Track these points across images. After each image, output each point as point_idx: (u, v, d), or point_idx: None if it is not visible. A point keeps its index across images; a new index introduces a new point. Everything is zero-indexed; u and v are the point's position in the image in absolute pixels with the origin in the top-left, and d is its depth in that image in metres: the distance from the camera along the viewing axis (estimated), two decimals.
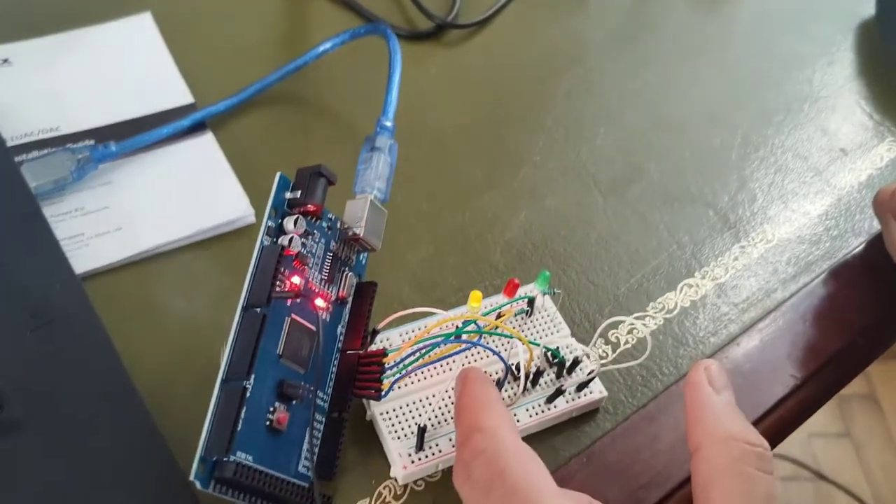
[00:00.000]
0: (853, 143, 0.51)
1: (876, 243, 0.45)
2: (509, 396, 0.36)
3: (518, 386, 0.36)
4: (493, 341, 0.37)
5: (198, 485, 0.28)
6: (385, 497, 0.34)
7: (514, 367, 0.35)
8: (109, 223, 0.39)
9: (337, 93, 0.48)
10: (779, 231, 0.46)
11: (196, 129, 0.43)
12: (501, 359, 0.34)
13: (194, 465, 0.28)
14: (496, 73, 0.52)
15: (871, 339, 0.43)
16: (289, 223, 0.33)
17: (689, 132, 0.50)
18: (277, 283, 0.32)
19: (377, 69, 0.44)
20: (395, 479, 0.34)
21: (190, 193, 0.41)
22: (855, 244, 0.46)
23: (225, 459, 0.29)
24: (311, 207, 0.33)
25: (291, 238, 0.32)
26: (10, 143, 0.40)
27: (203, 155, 0.42)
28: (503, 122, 0.49)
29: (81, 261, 0.38)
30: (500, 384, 0.35)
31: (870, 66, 0.55)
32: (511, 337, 0.34)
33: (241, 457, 0.29)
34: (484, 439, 0.29)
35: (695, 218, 0.46)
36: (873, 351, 0.44)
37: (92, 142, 0.41)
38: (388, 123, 0.40)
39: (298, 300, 0.33)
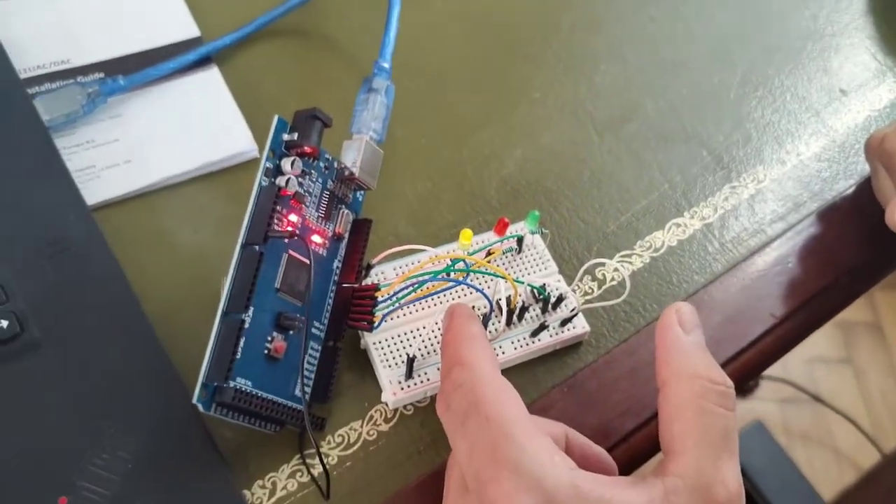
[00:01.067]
0: (854, 84, 0.51)
1: (866, 186, 0.46)
2: (495, 330, 0.38)
3: (503, 320, 0.38)
4: (480, 279, 0.38)
5: (200, 408, 0.31)
6: (376, 420, 0.37)
7: (500, 303, 0.37)
8: (119, 155, 0.41)
9: (343, 25, 0.49)
10: (771, 172, 0.47)
11: (202, 62, 0.44)
12: (485, 295, 0.36)
13: (196, 390, 0.31)
14: (500, 5, 0.52)
15: (855, 279, 0.45)
16: (286, 164, 0.34)
17: (690, 70, 0.50)
18: (275, 221, 0.34)
19: (384, 1, 0.45)
20: (386, 404, 0.37)
21: (196, 127, 0.42)
22: (846, 186, 0.47)
23: (224, 385, 0.31)
24: (307, 149, 0.35)
25: (289, 178, 0.34)
26: (22, 76, 0.41)
27: (208, 89, 0.44)
28: (504, 57, 0.49)
29: (93, 192, 0.39)
30: (486, 319, 0.37)
31: (880, 4, 0.55)
32: (497, 275, 0.36)
33: (241, 382, 0.32)
34: (463, 373, 0.31)
35: (688, 157, 0.47)
36: (855, 291, 0.45)
37: (101, 75, 0.43)
38: (386, 65, 0.41)
39: (295, 238, 0.35)
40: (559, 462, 0.28)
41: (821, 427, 1.20)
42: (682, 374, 0.31)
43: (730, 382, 0.31)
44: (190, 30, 0.45)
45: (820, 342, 1.26)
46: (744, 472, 1.13)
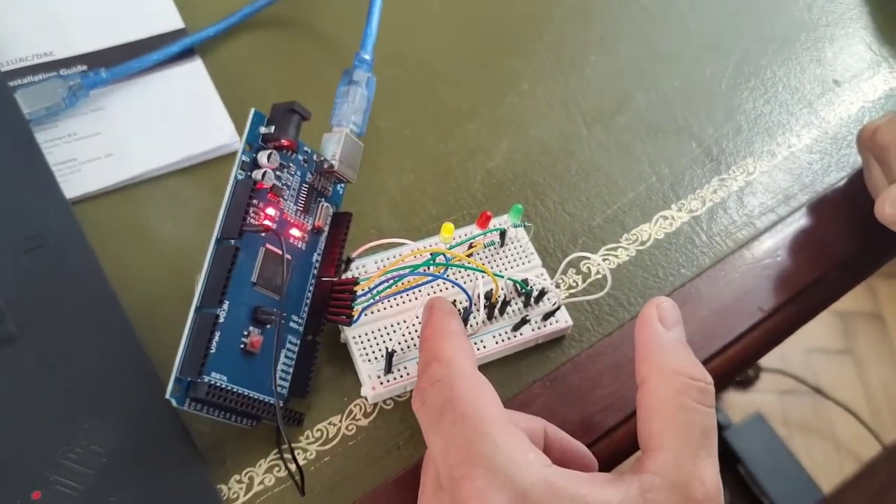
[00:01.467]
0: (847, 75, 0.50)
1: (857, 178, 0.46)
2: (476, 324, 0.37)
3: (483, 315, 0.37)
4: (461, 273, 0.38)
5: (173, 402, 0.31)
6: (355, 414, 0.37)
7: (481, 297, 0.37)
8: (100, 149, 0.41)
9: (327, 16, 0.48)
10: (761, 164, 0.46)
11: (185, 54, 0.44)
12: (464, 290, 0.35)
13: (170, 385, 0.31)
14: None
15: (846, 272, 0.44)
16: (262, 157, 0.34)
17: (682, 61, 0.50)
18: (251, 215, 0.33)
19: None
20: (366, 399, 0.37)
21: (178, 120, 0.42)
22: (837, 178, 0.46)
23: (198, 381, 0.31)
24: (284, 142, 0.34)
25: (265, 172, 0.34)
26: (4, 68, 0.41)
27: (191, 82, 0.43)
28: (493, 48, 0.49)
29: (74, 185, 0.39)
30: (466, 313, 0.37)
31: None
32: (477, 270, 0.36)
33: (216, 377, 0.32)
34: (440, 368, 0.30)
35: (678, 149, 0.46)
36: (845, 285, 0.45)
37: (84, 67, 0.42)
38: (367, 56, 0.40)
39: (272, 231, 0.34)
40: (533, 459, 0.28)
41: (820, 418, 1.20)
42: (662, 371, 0.31)
43: (710, 379, 0.31)
44: (174, 21, 0.45)
45: (820, 332, 1.25)
46: (742, 463, 1.13)
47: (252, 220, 0.33)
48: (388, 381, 0.36)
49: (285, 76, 0.46)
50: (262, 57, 0.46)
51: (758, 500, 1.05)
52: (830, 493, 1.04)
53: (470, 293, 0.36)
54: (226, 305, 0.32)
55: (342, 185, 0.39)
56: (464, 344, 0.32)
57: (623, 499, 0.27)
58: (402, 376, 0.36)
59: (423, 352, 0.32)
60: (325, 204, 0.38)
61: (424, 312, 0.34)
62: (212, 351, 0.31)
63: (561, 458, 0.33)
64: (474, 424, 0.28)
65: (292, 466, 0.34)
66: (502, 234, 0.40)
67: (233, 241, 0.33)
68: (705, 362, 0.40)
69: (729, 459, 1.04)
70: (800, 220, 0.45)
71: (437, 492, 0.30)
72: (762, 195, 0.45)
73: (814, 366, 1.23)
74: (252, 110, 0.35)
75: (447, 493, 0.28)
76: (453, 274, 0.37)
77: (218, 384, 0.32)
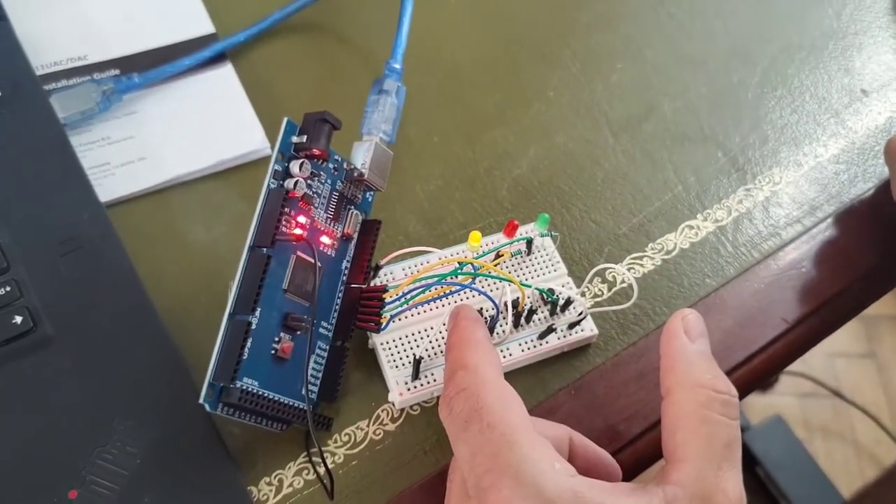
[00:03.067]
0: (876, 84, 0.50)
1: (884, 189, 0.46)
2: (503, 332, 0.38)
3: (510, 323, 0.38)
4: (489, 281, 0.39)
5: (207, 407, 0.32)
6: (383, 419, 0.37)
7: (507, 305, 0.37)
8: (134, 153, 0.41)
9: (357, 22, 0.49)
10: (787, 174, 0.46)
11: (216, 59, 0.45)
12: (491, 299, 0.36)
13: (203, 390, 0.31)
14: (516, 3, 0.51)
15: (870, 284, 0.44)
16: (294, 167, 0.34)
17: (709, 69, 0.50)
18: (283, 223, 0.34)
19: None
20: (393, 404, 0.37)
21: (209, 125, 0.43)
22: (864, 189, 0.46)
23: (231, 386, 0.32)
24: (315, 152, 0.35)
25: (297, 181, 0.34)
26: (39, 72, 0.42)
27: (222, 87, 0.44)
28: (520, 55, 0.49)
29: (108, 189, 0.40)
30: (492, 322, 0.37)
31: None
32: (504, 280, 0.36)
33: (247, 382, 0.32)
34: (466, 377, 0.31)
35: (704, 158, 0.46)
36: (869, 297, 0.45)
37: (117, 72, 0.43)
38: (397, 66, 0.41)
39: (304, 240, 0.35)
40: (560, 469, 0.28)
41: (841, 422, 1.19)
42: (686, 383, 0.31)
43: (734, 391, 0.31)
44: (205, 26, 0.46)
45: (842, 336, 1.24)
46: (762, 466, 1.12)
47: (284, 229, 0.34)
48: (415, 387, 0.37)
49: (314, 81, 0.46)
50: (292, 62, 0.47)
51: (776, 502, 1.05)
52: (850, 496, 1.04)
53: (497, 302, 0.36)
54: (258, 312, 0.33)
55: (371, 192, 0.39)
56: (489, 352, 0.32)
57: None
58: (428, 382, 0.37)
59: (448, 360, 0.32)
60: (355, 211, 0.38)
61: (450, 320, 0.34)
62: (244, 357, 0.32)
63: (585, 467, 0.34)
64: (501, 433, 0.29)
65: (321, 470, 0.35)
66: (529, 242, 0.40)
67: (265, 249, 0.33)
68: (728, 372, 0.40)
69: (748, 461, 1.04)
70: (825, 232, 0.45)
71: (463, 500, 0.30)
72: (788, 206, 0.45)
73: (835, 369, 1.22)
74: (284, 119, 0.35)
75: (474, 501, 0.29)
76: (481, 283, 0.37)
77: (250, 389, 0.32)
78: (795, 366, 1.16)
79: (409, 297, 0.36)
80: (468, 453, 0.29)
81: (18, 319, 0.35)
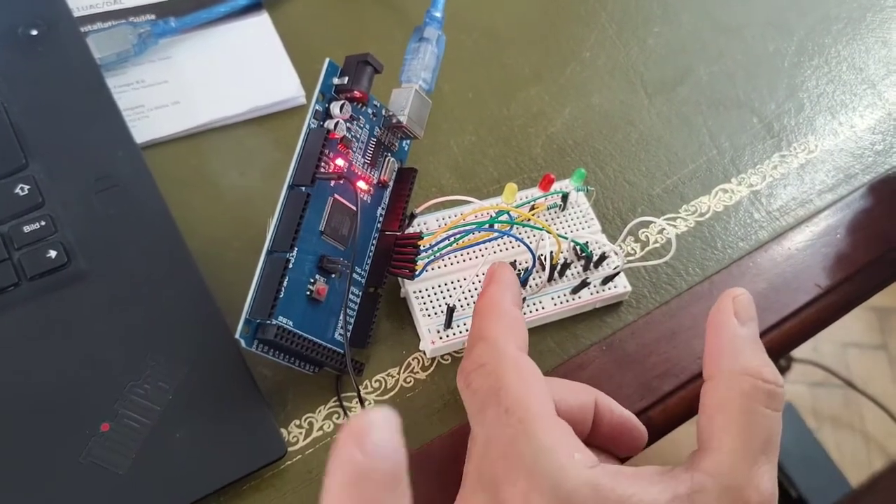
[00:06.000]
0: None
1: None
2: (536, 285, 0.38)
3: (544, 276, 0.37)
4: (524, 232, 0.38)
5: (242, 343, 0.31)
6: (413, 367, 0.37)
7: (542, 258, 0.37)
8: (168, 97, 0.41)
9: None
10: (822, 142, 0.46)
11: (252, 8, 0.44)
12: (529, 249, 0.36)
13: (240, 325, 0.31)
14: None
15: None
16: (335, 108, 0.34)
17: (745, 36, 0.49)
18: (322, 164, 0.34)
19: None
20: (424, 352, 0.37)
21: (244, 72, 0.42)
22: None
23: (268, 322, 0.31)
24: (356, 94, 0.35)
25: (337, 122, 0.34)
26: (76, 14, 0.42)
27: (258, 35, 0.44)
28: (557, 15, 0.49)
29: (142, 131, 0.40)
30: (527, 273, 0.37)
31: None
32: (540, 229, 0.36)
33: (283, 321, 0.32)
34: (486, 352, 0.29)
35: (738, 124, 0.46)
36: None
37: (153, 16, 0.43)
38: (438, 14, 0.40)
39: (342, 181, 0.35)
40: (579, 460, 0.27)
41: (851, 412, 1.19)
42: (731, 370, 0.29)
43: (781, 381, 0.29)
44: None
45: (855, 327, 1.24)
46: None
47: (323, 169, 0.34)
48: (447, 336, 0.36)
49: (350, 33, 0.46)
50: (329, 13, 0.46)
51: (785, 490, 1.04)
52: (859, 486, 1.04)
53: (534, 251, 0.36)
54: (295, 251, 0.33)
55: (408, 140, 0.39)
56: (513, 323, 0.31)
57: (671, 498, 0.26)
58: (460, 332, 0.37)
59: (473, 325, 0.31)
60: (392, 159, 0.38)
61: (486, 278, 0.33)
62: (281, 295, 0.32)
63: (610, 433, 0.33)
64: (519, 419, 0.27)
65: (351, 414, 0.35)
66: (564, 197, 0.40)
67: (304, 188, 0.33)
68: (761, 335, 0.40)
69: None
70: (860, 200, 0.44)
71: (477, 487, 0.28)
72: (823, 174, 0.45)
73: (847, 359, 1.21)
74: (326, 60, 0.35)
75: (488, 493, 0.27)
76: (517, 232, 0.37)
77: (286, 327, 0.32)
78: (807, 354, 1.16)
79: (444, 245, 0.36)
80: (483, 438, 0.28)
81: (53, 254, 0.35)
